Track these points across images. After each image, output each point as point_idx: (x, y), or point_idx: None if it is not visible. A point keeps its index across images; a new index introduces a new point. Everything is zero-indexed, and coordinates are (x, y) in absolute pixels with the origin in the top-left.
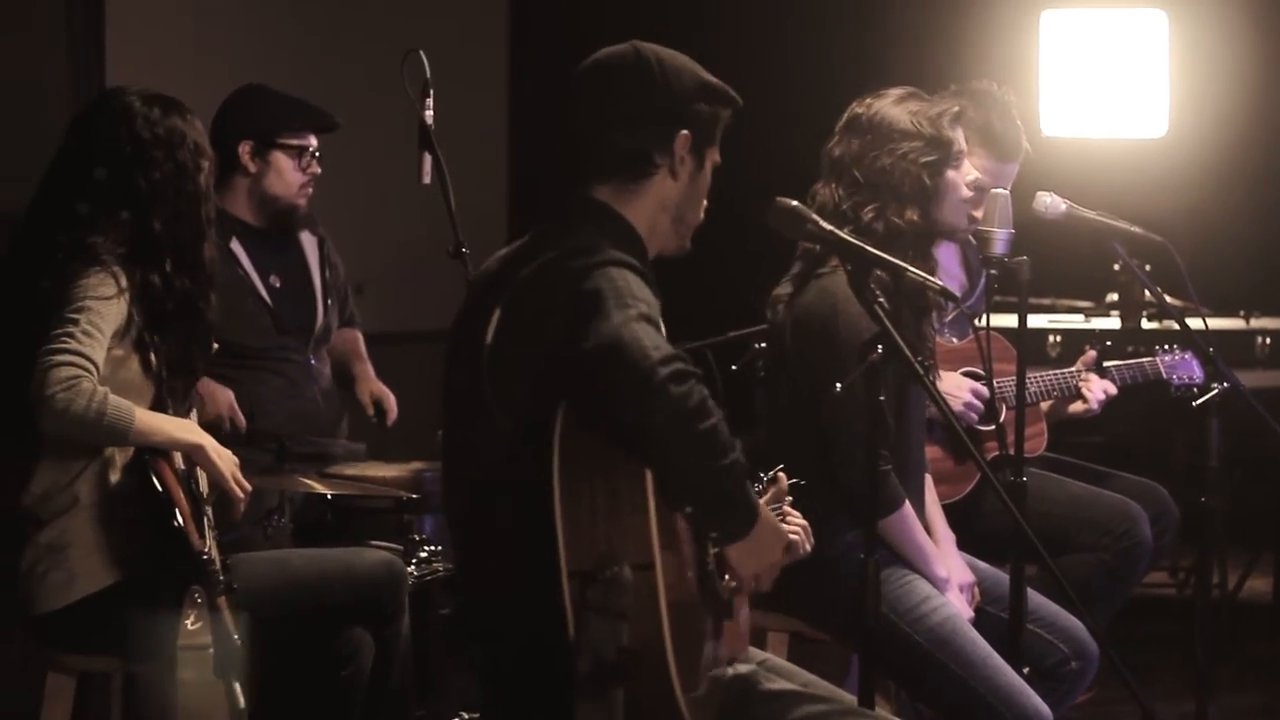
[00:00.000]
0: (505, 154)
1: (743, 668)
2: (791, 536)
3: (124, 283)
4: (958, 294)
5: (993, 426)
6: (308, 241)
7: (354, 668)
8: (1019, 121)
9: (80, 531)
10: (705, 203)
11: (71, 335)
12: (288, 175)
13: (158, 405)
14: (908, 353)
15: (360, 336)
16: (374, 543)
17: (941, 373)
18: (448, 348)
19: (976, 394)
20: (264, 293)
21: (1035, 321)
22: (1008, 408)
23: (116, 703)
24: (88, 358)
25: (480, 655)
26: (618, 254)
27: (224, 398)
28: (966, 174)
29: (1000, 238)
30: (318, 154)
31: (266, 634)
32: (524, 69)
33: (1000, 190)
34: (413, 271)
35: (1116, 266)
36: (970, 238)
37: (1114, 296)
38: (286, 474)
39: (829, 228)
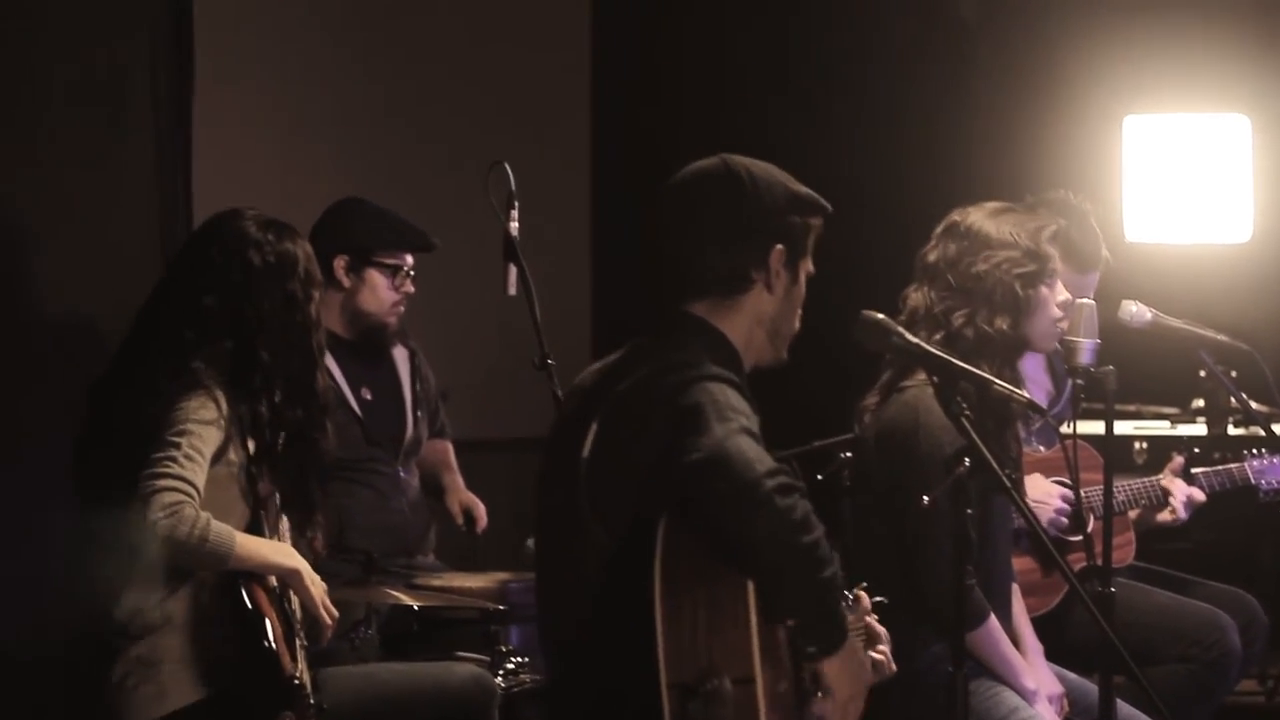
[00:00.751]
0: (589, 265)
1: None
2: (877, 656)
3: (225, 407)
4: (1044, 403)
5: (1080, 536)
6: (399, 354)
7: None
8: (1098, 231)
9: (172, 648)
10: (800, 313)
11: (174, 459)
12: (381, 293)
13: (253, 528)
14: (995, 466)
15: (450, 447)
16: (461, 654)
17: (1028, 479)
18: (543, 461)
19: (1065, 500)
20: (355, 405)
21: (1121, 428)
22: (1095, 517)
23: None
24: (189, 482)
25: None
26: (715, 368)
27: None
28: (1059, 294)
29: (1086, 347)
30: (412, 273)
31: None
32: (608, 181)
33: (1086, 300)
34: (497, 380)
35: (1202, 373)
36: (1058, 345)
37: (1200, 403)
38: (373, 586)
39: (915, 341)
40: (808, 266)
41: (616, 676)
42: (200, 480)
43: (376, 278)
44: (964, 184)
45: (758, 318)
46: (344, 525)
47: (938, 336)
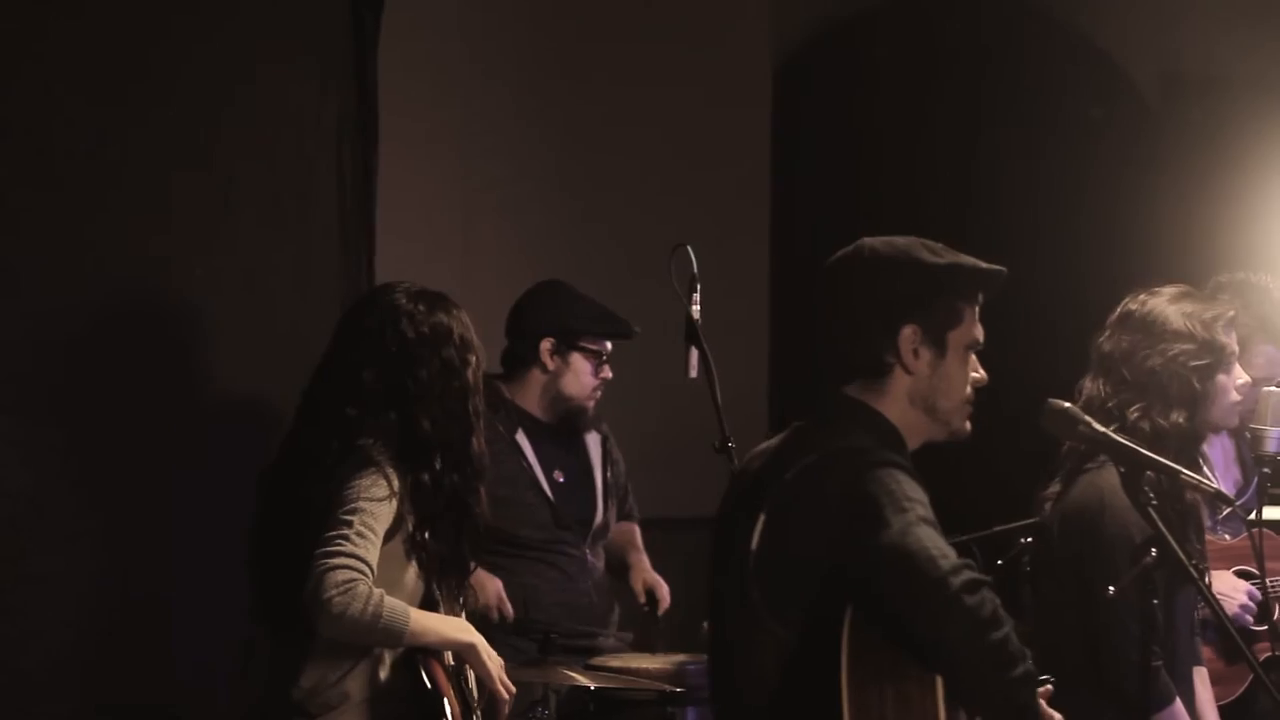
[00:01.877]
0: (766, 347)
1: None
2: None
3: (395, 484)
4: (1231, 491)
5: (1265, 626)
6: (591, 439)
7: None
8: None
9: None
10: (972, 382)
11: (346, 538)
12: (583, 377)
13: (428, 603)
14: (1182, 556)
15: (637, 529)
16: None
17: (1214, 572)
18: (713, 549)
19: (1251, 595)
20: (546, 487)
21: None
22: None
23: None
24: (363, 560)
25: None
26: (884, 453)
27: (493, 587)
28: (1237, 377)
29: (1273, 436)
30: (607, 359)
31: None
32: (785, 262)
33: (1273, 389)
34: (679, 461)
35: None
36: (1245, 433)
37: None
38: (550, 666)
39: (1102, 430)
40: (966, 337)
41: None
42: (373, 558)
43: (580, 362)
44: (1153, 266)
45: (909, 398)
46: (528, 604)
47: (1113, 428)
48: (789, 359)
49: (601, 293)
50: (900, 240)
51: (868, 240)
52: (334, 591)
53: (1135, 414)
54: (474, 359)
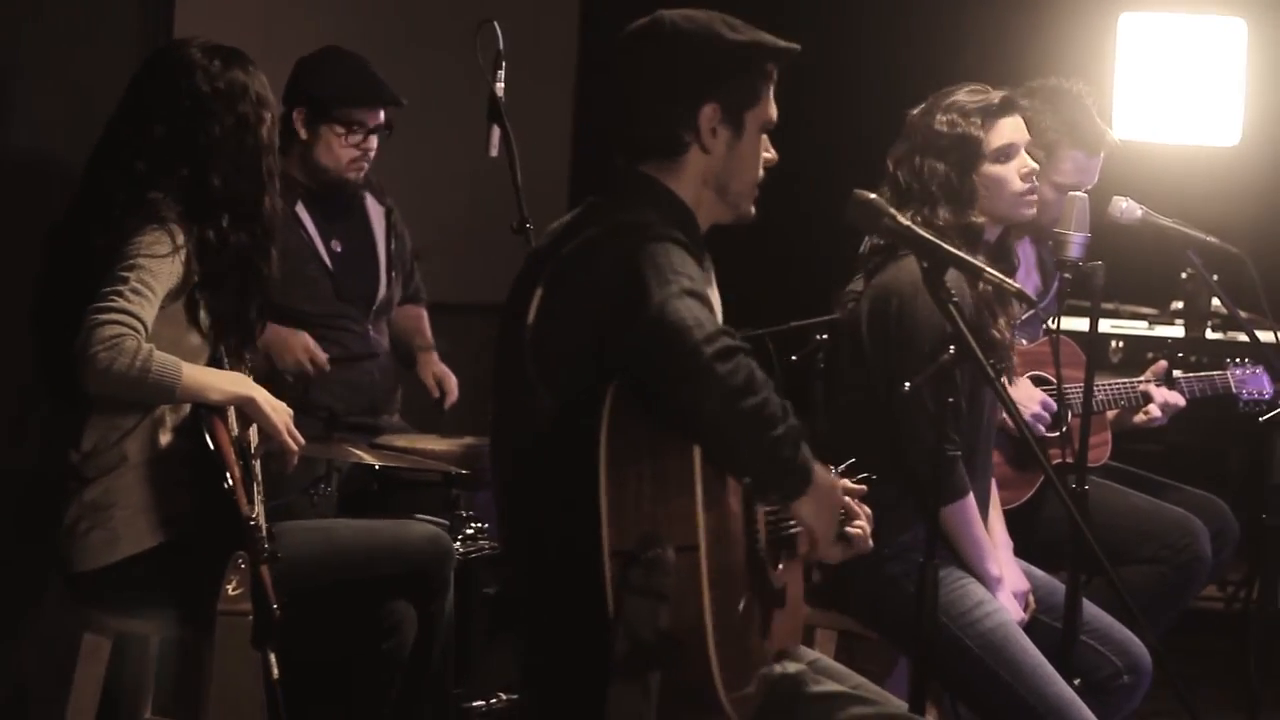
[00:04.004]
0: (571, 130)
1: (791, 667)
2: (854, 532)
3: (180, 240)
4: (1031, 295)
5: (1058, 433)
6: (375, 211)
7: (396, 641)
8: (1094, 113)
9: (126, 491)
10: (763, 162)
11: (120, 294)
12: (336, 150)
13: (215, 364)
14: (980, 355)
15: (425, 314)
16: (420, 516)
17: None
18: (500, 324)
19: (1045, 404)
20: (326, 258)
21: (1099, 327)
22: (1073, 414)
23: (151, 667)
24: (135, 315)
25: (520, 630)
26: (664, 228)
27: (299, 341)
28: (1021, 166)
29: (1076, 241)
30: (378, 130)
31: (308, 603)
32: (594, 44)
33: (1078, 193)
34: (475, 243)
35: (1184, 274)
36: (1048, 239)
37: (1179, 305)
38: (336, 443)
39: (906, 223)
40: (763, 116)
41: (560, 543)
42: (148, 314)
43: (331, 134)
44: (954, 75)
45: (702, 178)
46: (309, 380)
47: None
48: (592, 141)
49: (405, 68)
50: (700, 14)
51: (666, 13)
52: (99, 346)
53: (909, 215)
54: (269, 117)
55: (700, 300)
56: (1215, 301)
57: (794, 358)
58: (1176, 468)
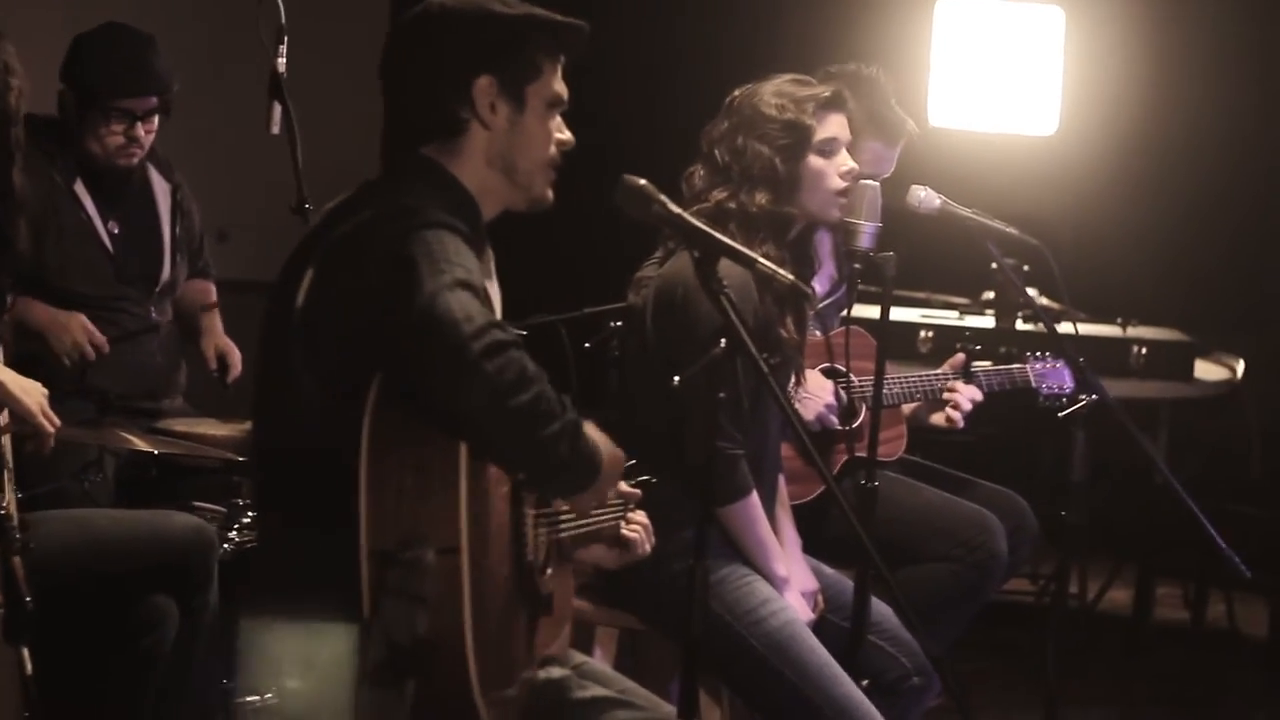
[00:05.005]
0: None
1: (556, 672)
2: (630, 535)
3: None
4: (827, 286)
5: (849, 427)
6: (160, 189)
7: (155, 637)
8: (896, 104)
9: None
10: (556, 144)
11: None
12: (105, 138)
13: None
14: (752, 348)
15: (212, 288)
16: (198, 504)
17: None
18: (266, 306)
19: (837, 395)
20: (105, 238)
21: (908, 316)
22: (867, 408)
23: None
24: None
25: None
26: (440, 215)
27: (76, 322)
28: (840, 165)
29: (866, 231)
30: (150, 115)
31: (64, 597)
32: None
33: (869, 182)
34: (267, 222)
35: (994, 265)
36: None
37: (990, 295)
38: (108, 427)
39: (677, 211)
40: (547, 92)
41: (318, 540)
42: None
43: (97, 120)
44: (769, 60)
45: (486, 157)
46: (88, 364)
47: (694, 211)
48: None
49: (188, 43)
50: None
51: None
52: None
53: (722, 195)
54: (16, 84)
55: (474, 293)
56: (1032, 292)
57: (586, 345)
58: (985, 461)
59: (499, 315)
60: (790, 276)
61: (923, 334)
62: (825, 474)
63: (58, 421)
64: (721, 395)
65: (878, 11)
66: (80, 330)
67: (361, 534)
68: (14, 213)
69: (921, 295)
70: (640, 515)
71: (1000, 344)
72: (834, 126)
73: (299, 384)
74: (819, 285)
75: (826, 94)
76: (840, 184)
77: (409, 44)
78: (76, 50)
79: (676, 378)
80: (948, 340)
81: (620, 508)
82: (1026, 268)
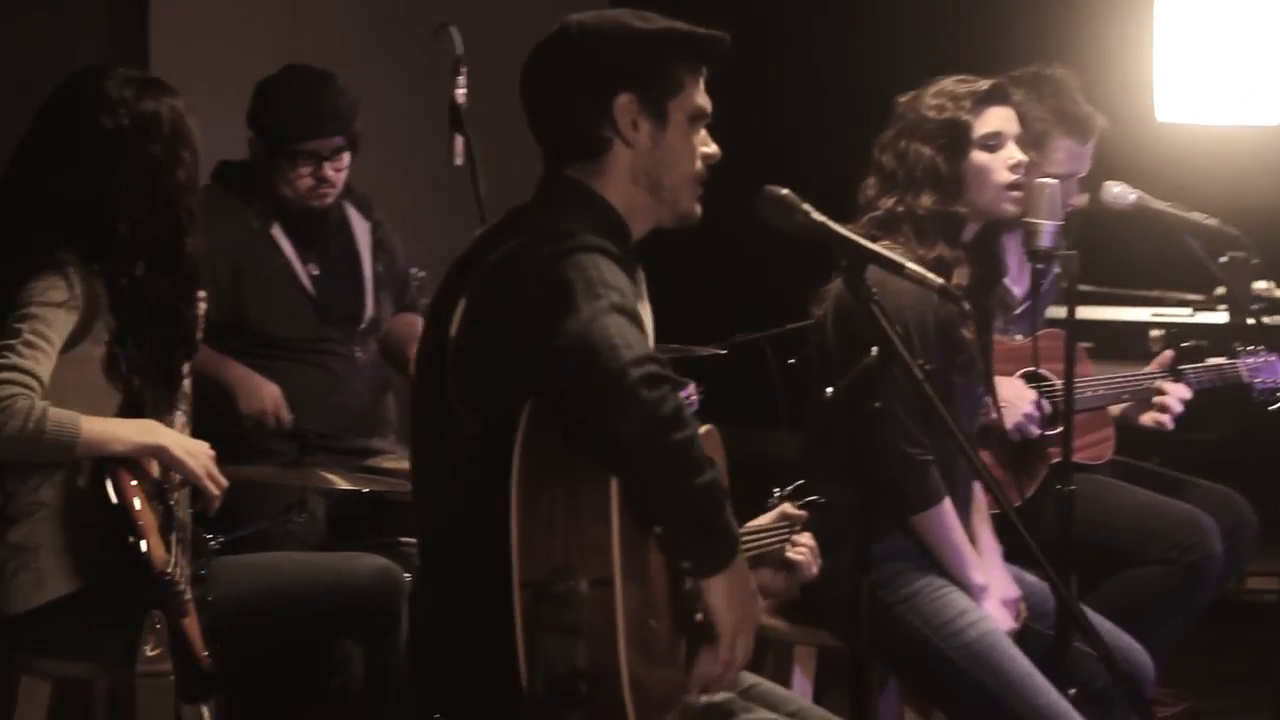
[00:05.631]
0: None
1: (719, 696)
2: (796, 557)
3: (78, 287)
4: (1022, 290)
5: (1049, 433)
6: (360, 228)
7: (342, 678)
8: (1084, 100)
9: (47, 534)
10: (702, 157)
11: (13, 348)
12: (294, 181)
13: (130, 410)
14: (906, 355)
15: (419, 321)
16: (405, 540)
17: (1001, 378)
18: (421, 339)
19: (1037, 403)
20: (306, 282)
21: (1138, 315)
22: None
23: (100, 712)
24: (27, 372)
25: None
26: (591, 238)
27: (269, 392)
28: (1008, 158)
29: (1047, 230)
30: (336, 154)
31: (249, 643)
32: None
33: (1047, 180)
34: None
35: (1223, 259)
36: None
37: (1221, 290)
38: (307, 468)
39: (820, 219)
40: (689, 106)
41: (471, 573)
42: (43, 369)
43: (285, 164)
44: (989, 57)
45: (631, 176)
46: (295, 409)
47: (875, 220)
48: None
49: (365, 76)
50: (608, 12)
51: (573, 16)
52: None
53: (891, 201)
54: (187, 156)
55: (630, 318)
56: (1260, 285)
57: (790, 361)
58: (1201, 462)
59: (651, 338)
60: (940, 281)
61: (1154, 333)
62: (1001, 498)
63: (224, 482)
64: (877, 405)
65: (1098, 4)
66: (272, 402)
67: (513, 566)
68: (187, 286)
69: (1155, 294)
70: (806, 537)
71: (1233, 339)
72: (996, 120)
73: (455, 415)
74: (1017, 288)
75: (984, 88)
76: (1008, 177)
77: (547, 65)
78: (259, 95)
79: (830, 388)
80: (1180, 338)
81: (785, 529)
82: (1224, 259)
